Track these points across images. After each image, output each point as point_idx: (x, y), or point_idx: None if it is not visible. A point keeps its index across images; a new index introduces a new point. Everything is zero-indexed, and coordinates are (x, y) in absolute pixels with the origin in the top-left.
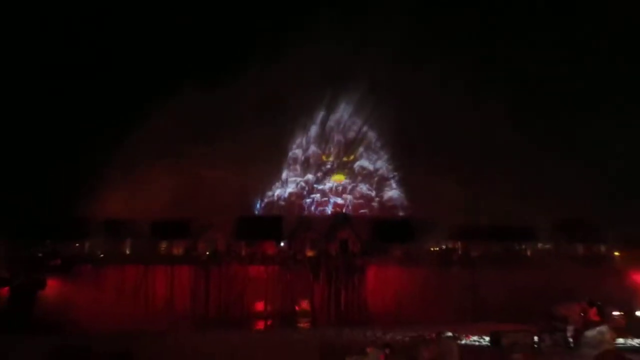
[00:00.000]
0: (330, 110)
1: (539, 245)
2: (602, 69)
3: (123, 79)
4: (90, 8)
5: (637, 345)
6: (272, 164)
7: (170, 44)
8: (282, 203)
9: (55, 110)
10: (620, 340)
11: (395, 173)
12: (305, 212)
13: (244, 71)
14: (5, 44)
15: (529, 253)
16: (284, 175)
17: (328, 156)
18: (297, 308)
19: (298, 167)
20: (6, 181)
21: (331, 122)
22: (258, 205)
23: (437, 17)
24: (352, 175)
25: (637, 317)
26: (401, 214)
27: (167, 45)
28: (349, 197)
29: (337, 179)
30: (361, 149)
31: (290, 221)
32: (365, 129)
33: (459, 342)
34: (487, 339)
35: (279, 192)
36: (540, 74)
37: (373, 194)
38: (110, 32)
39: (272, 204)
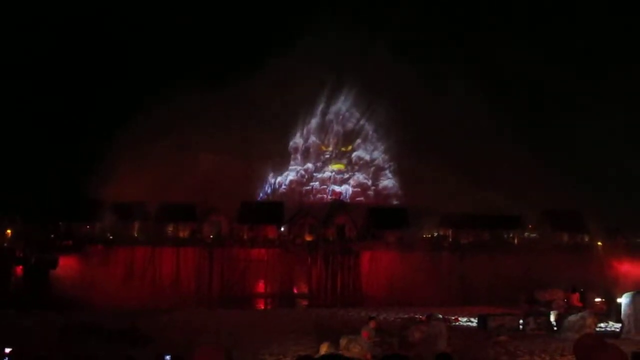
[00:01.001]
0: (330, 102)
1: (525, 233)
2: (586, 67)
3: (134, 66)
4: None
5: (617, 330)
6: (274, 152)
7: (177, 36)
8: (283, 190)
9: (67, 96)
10: (601, 325)
11: (391, 163)
12: (305, 199)
13: (249, 63)
14: (10, 37)
15: (515, 241)
16: (286, 163)
17: (327, 146)
18: (295, 289)
19: (299, 156)
20: (20, 165)
21: (330, 114)
22: (261, 192)
23: (434, 13)
24: (350, 164)
25: (617, 303)
26: (395, 202)
27: (177, 40)
28: (348, 187)
29: (338, 167)
30: (359, 140)
31: (290, 207)
32: (362, 120)
33: (448, 323)
34: (475, 321)
35: (280, 179)
36: (527, 71)
37: (369, 182)
38: (120, 22)
39: (273, 190)
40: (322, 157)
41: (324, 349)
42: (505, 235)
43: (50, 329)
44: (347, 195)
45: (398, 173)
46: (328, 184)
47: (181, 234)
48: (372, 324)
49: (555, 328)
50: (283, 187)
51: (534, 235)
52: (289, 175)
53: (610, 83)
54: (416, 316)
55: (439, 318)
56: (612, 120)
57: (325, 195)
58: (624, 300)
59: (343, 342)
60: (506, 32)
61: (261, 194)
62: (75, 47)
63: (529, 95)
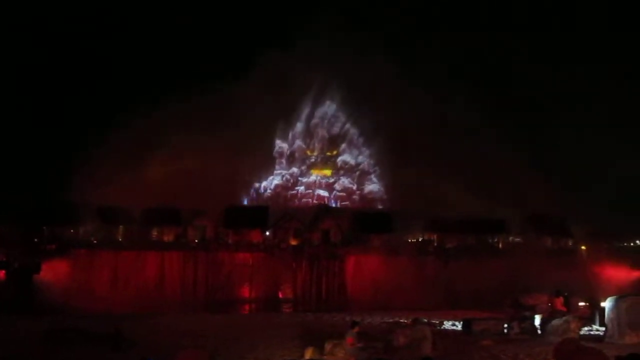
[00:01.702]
0: (315, 107)
1: (510, 238)
2: (571, 72)
3: (118, 70)
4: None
5: (601, 334)
6: (259, 157)
7: (165, 42)
8: (269, 194)
9: (52, 101)
10: (585, 329)
11: (376, 168)
12: (290, 203)
13: (234, 68)
14: (6, 39)
15: (500, 245)
16: (271, 168)
17: (312, 151)
18: (280, 294)
19: (284, 160)
20: (2, 167)
21: (316, 119)
22: (245, 196)
23: (419, 17)
24: (335, 169)
25: (601, 307)
26: (381, 206)
27: (162, 42)
28: (333, 192)
29: (323, 172)
30: (344, 145)
31: (275, 211)
32: (348, 125)
33: (432, 328)
34: (460, 325)
35: (265, 183)
36: (511, 75)
37: (354, 187)
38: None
39: (258, 194)
40: (307, 161)
41: (309, 354)
42: (490, 240)
43: (34, 333)
44: (332, 200)
45: (383, 178)
46: (313, 188)
47: (166, 238)
48: (355, 329)
49: (539, 332)
50: (268, 191)
51: (518, 239)
52: (274, 180)
53: (595, 88)
54: (401, 320)
55: (424, 322)
56: (597, 125)
57: (310, 200)
58: (607, 304)
59: (328, 346)
60: (491, 35)
61: (246, 198)
62: (59, 50)
63: (514, 99)
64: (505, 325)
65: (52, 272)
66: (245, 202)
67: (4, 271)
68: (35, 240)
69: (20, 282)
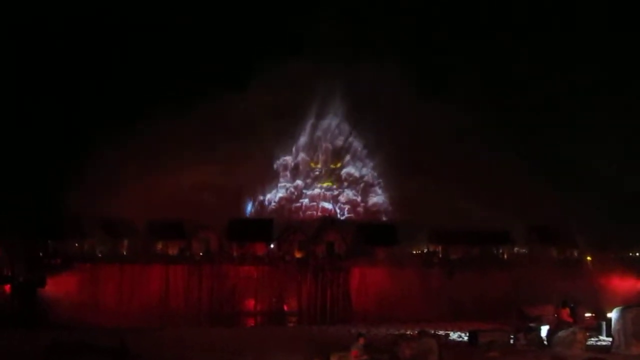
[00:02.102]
0: (318, 119)
1: (515, 249)
2: (577, 79)
3: (119, 83)
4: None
5: (608, 345)
6: (263, 169)
7: (168, 52)
8: (273, 207)
9: (55, 111)
10: (592, 340)
11: (380, 180)
12: (294, 216)
13: (237, 80)
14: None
15: (505, 256)
16: (275, 180)
17: (316, 163)
18: (285, 306)
19: (288, 173)
20: (6, 181)
21: (319, 131)
22: (249, 209)
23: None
24: (339, 181)
25: (607, 317)
26: (385, 218)
27: (165, 53)
28: (338, 204)
29: (327, 184)
30: (348, 157)
31: (280, 224)
32: (351, 137)
33: (438, 339)
34: (466, 336)
35: (269, 196)
36: (516, 85)
37: (359, 199)
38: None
39: (263, 207)
40: (311, 174)
41: None
42: (495, 251)
43: (37, 347)
44: (337, 212)
45: (387, 189)
46: (317, 200)
47: (170, 251)
48: (360, 341)
49: (545, 343)
50: (272, 204)
51: (523, 250)
52: (279, 192)
53: (599, 97)
54: (407, 332)
55: (430, 334)
56: (602, 135)
57: (314, 212)
58: (613, 315)
59: (333, 359)
60: (498, 43)
61: (250, 211)
62: (61, 62)
63: (518, 110)
64: (512, 337)
65: (57, 286)
66: (250, 214)
67: (8, 285)
68: (40, 254)
69: (25, 297)
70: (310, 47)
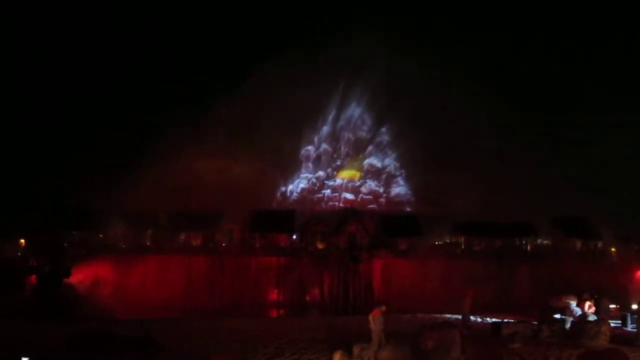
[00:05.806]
0: (341, 109)
1: (539, 240)
2: (599, 68)
3: (145, 73)
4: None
5: (632, 336)
6: (286, 161)
7: (189, 44)
8: (295, 197)
9: (81, 104)
10: (616, 332)
11: (403, 170)
12: (316, 207)
13: (260, 70)
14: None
15: (528, 248)
16: (297, 171)
17: (339, 154)
18: (307, 297)
19: (310, 164)
20: (34, 174)
21: (342, 122)
22: (272, 200)
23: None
24: (362, 172)
25: (632, 309)
26: (407, 209)
27: (187, 44)
28: (360, 195)
29: (349, 175)
30: (370, 147)
31: (302, 215)
32: (374, 128)
33: (461, 331)
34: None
35: (291, 187)
36: (540, 78)
37: (381, 190)
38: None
39: (285, 198)
40: (333, 164)
41: (337, 357)
42: (518, 242)
43: (62, 337)
44: (359, 203)
45: (410, 180)
46: (340, 191)
47: (193, 242)
48: (383, 308)
49: (569, 335)
50: (295, 194)
51: (546, 242)
52: (301, 183)
53: (625, 88)
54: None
55: (452, 325)
56: (626, 126)
57: (336, 203)
58: (638, 306)
59: (356, 349)
60: (520, 36)
61: (273, 202)
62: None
63: (542, 102)
64: (535, 328)
65: (82, 277)
66: (272, 205)
67: (34, 276)
68: (65, 245)
69: (51, 287)
70: (335, 35)
